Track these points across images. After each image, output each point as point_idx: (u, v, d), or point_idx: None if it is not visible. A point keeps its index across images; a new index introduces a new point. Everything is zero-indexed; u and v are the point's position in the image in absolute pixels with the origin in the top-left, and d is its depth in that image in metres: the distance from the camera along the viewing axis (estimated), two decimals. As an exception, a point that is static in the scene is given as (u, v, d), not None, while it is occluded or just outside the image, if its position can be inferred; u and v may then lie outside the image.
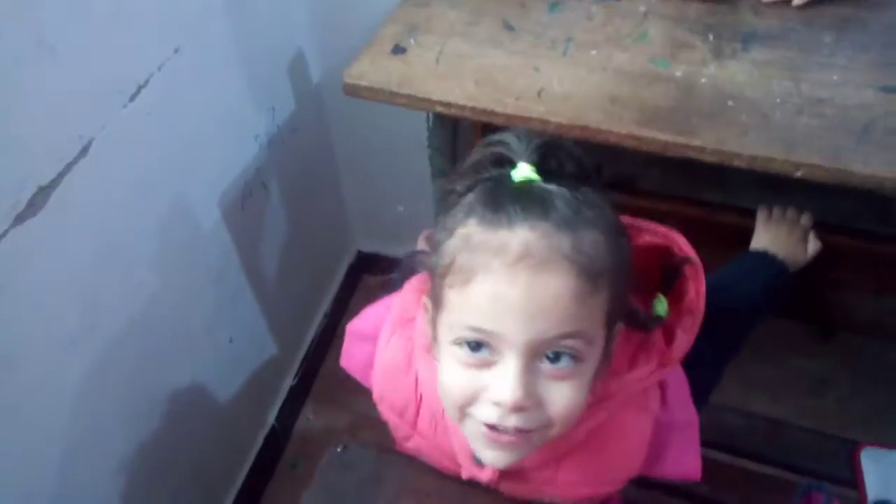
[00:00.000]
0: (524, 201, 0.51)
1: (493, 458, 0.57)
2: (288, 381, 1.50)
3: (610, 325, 0.55)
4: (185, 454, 1.17)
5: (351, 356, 0.76)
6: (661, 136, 0.80)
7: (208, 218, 1.10)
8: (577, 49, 0.91)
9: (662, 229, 0.64)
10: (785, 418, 1.06)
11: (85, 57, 0.79)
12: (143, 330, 0.99)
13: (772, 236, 0.91)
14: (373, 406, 0.73)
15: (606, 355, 0.56)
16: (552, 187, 0.52)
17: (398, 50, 0.92)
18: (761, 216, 0.94)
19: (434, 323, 0.57)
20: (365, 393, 0.74)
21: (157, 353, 1.05)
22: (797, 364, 1.50)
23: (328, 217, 1.56)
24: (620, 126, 0.82)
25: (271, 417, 1.44)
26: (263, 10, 1.12)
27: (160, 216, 0.98)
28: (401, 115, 1.08)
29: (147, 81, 0.89)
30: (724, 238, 0.97)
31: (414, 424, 0.69)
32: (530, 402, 0.52)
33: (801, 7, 0.92)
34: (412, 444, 0.71)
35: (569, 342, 0.51)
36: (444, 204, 0.56)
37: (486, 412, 0.53)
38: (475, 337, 0.52)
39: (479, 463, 0.67)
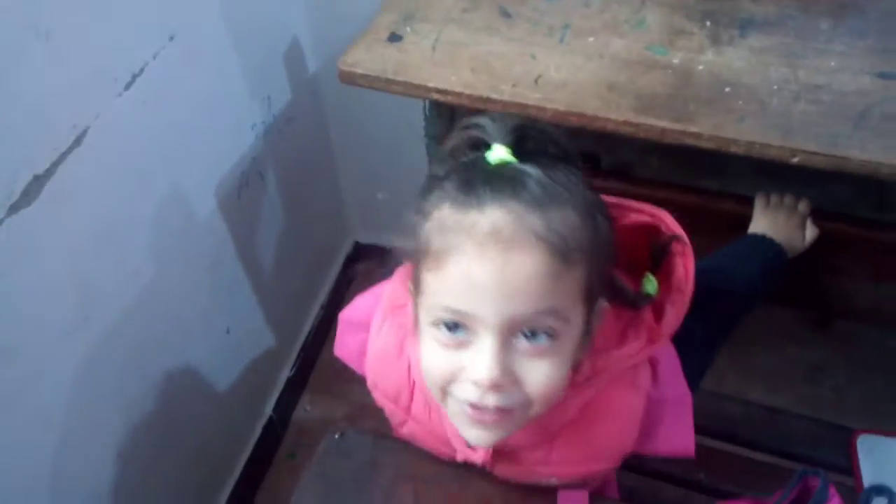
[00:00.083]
0: (495, 182, 0.51)
1: (477, 437, 0.57)
2: (285, 372, 1.50)
3: (589, 302, 0.55)
4: (183, 444, 1.17)
5: (344, 345, 0.76)
6: (658, 123, 0.80)
7: (204, 207, 1.09)
8: (575, 36, 0.91)
9: (649, 208, 0.65)
10: (782, 407, 1.06)
11: (80, 45, 0.78)
12: (140, 319, 0.99)
13: (769, 222, 0.91)
14: (369, 395, 0.74)
15: (587, 333, 0.57)
16: (526, 168, 0.52)
17: (394, 38, 0.92)
18: (759, 203, 0.94)
19: (415, 307, 0.57)
20: (362, 383, 0.74)
21: (154, 342, 1.05)
22: (795, 352, 1.51)
23: (325, 207, 1.56)
24: (617, 113, 0.82)
25: (269, 408, 1.45)
26: (259, -1, 1.12)
27: (156, 205, 0.98)
28: (397, 104, 1.08)
29: (142, 70, 0.89)
30: (721, 225, 0.97)
31: (408, 410, 0.70)
32: (507, 380, 0.52)
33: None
34: (407, 430, 0.72)
35: (543, 320, 0.51)
36: (424, 189, 0.56)
37: (465, 391, 0.54)
38: (451, 318, 0.52)
39: (471, 446, 0.67)
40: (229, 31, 1.05)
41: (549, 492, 0.69)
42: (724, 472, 0.98)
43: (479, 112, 0.59)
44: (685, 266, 0.62)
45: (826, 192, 0.96)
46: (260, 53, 1.16)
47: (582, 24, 0.92)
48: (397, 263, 0.61)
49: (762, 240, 0.87)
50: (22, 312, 0.79)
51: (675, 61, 0.87)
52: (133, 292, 0.97)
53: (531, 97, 0.84)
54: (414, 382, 0.68)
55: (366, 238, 1.69)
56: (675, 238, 0.63)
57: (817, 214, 0.93)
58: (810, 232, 0.92)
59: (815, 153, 0.76)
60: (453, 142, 0.57)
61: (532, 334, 0.52)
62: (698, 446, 0.98)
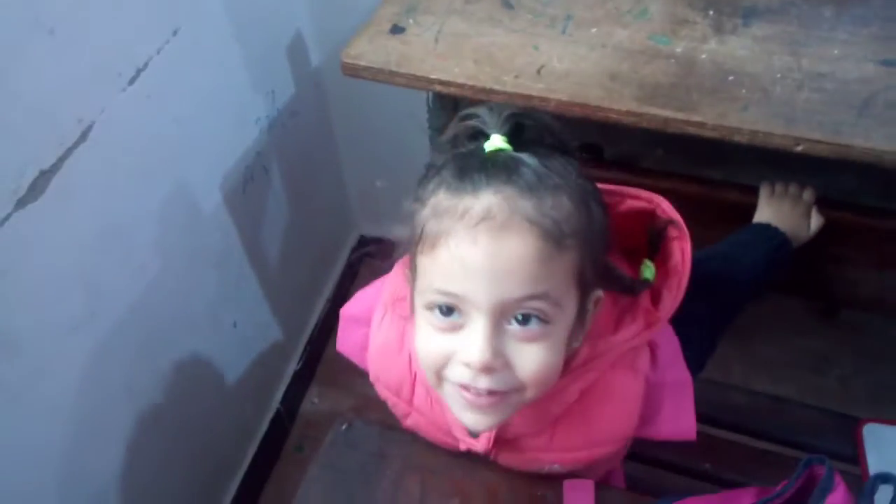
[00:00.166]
0: (490, 169, 0.52)
1: (473, 421, 0.58)
2: (292, 365, 1.51)
3: (582, 288, 0.55)
4: (191, 438, 1.18)
5: (346, 340, 0.77)
6: (661, 113, 0.80)
7: (209, 202, 1.10)
8: (577, 26, 0.91)
9: (645, 194, 0.65)
10: (788, 397, 1.06)
11: (84, 39, 0.79)
12: (146, 314, 1.00)
13: (774, 211, 0.91)
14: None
15: (581, 319, 0.57)
16: (520, 155, 0.53)
17: (397, 30, 0.92)
18: (764, 192, 0.94)
19: (411, 292, 0.58)
20: (368, 375, 0.75)
21: (161, 337, 1.05)
22: (800, 343, 1.51)
23: (330, 201, 1.56)
24: (620, 103, 0.82)
25: (276, 401, 1.45)
26: (262, -7, 1.12)
27: (161, 200, 0.98)
28: (401, 97, 1.08)
29: (146, 65, 0.89)
30: (726, 215, 0.97)
31: (410, 401, 0.70)
32: (498, 362, 0.53)
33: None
34: (411, 422, 0.72)
35: (534, 304, 0.52)
36: (422, 177, 0.57)
37: (458, 373, 0.55)
38: (444, 300, 0.53)
39: (473, 435, 0.67)
40: (232, 25, 1.05)
41: (555, 481, 0.70)
42: (730, 461, 0.98)
43: (478, 102, 0.60)
44: (682, 250, 0.63)
45: (831, 181, 0.96)
46: (263, 47, 1.16)
47: (584, 15, 0.92)
48: (398, 256, 0.62)
49: (766, 228, 0.87)
50: (29, 307, 0.80)
51: (678, 50, 0.86)
52: (139, 287, 0.97)
53: (534, 88, 0.84)
54: (415, 374, 0.69)
55: (370, 231, 1.69)
56: (671, 222, 0.63)
57: (822, 203, 0.93)
58: (815, 221, 0.92)
59: (818, 141, 0.76)
60: (452, 132, 0.58)
61: (524, 318, 0.53)
62: (704, 436, 0.99)
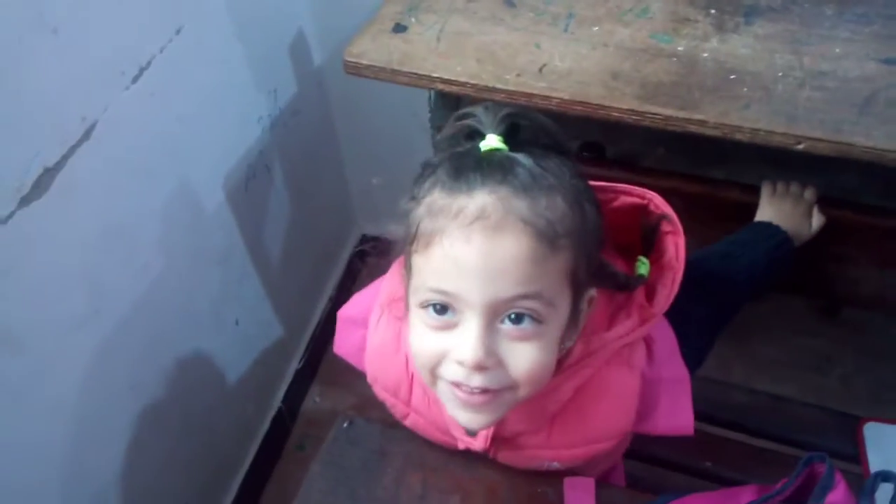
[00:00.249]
0: (485, 169, 0.52)
1: (467, 419, 0.58)
2: (294, 364, 1.51)
3: (576, 288, 0.56)
4: (193, 436, 1.18)
5: (344, 341, 0.77)
6: (663, 111, 0.80)
7: (212, 200, 1.10)
8: (579, 25, 0.91)
9: (638, 190, 0.66)
10: (789, 396, 1.07)
11: (87, 38, 0.79)
12: (149, 312, 1.00)
13: (776, 210, 0.91)
14: (375, 388, 0.74)
15: (575, 318, 0.58)
16: (516, 155, 0.53)
17: (399, 28, 0.92)
18: (766, 191, 0.94)
19: (406, 291, 0.58)
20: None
21: (164, 335, 1.06)
22: (802, 342, 1.51)
23: (332, 199, 1.57)
24: (622, 101, 0.82)
25: (278, 399, 1.46)
26: (264, -8, 1.12)
27: (164, 198, 0.99)
28: (403, 96, 1.08)
29: (149, 63, 0.89)
30: (727, 214, 0.98)
31: (408, 402, 0.71)
32: (491, 361, 0.53)
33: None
34: (410, 422, 0.73)
35: (527, 303, 0.52)
36: (418, 176, 0.57)
37: (451, 371, 0.55)
38: (437, 299, 0.53)
39: (471, 434, 0.68)
40: (235, 23, 1.06)
41: (555, 478, 0.70)
42: (731, 460, 0.98)
43: (480, 101, 0.60)
44: (676, 244, 0.63)
45: (832, 180, 0.96)
46: (266, 46, 1.16)
47: (586, 13, 0.92)
48: (395, 255, 0.62)
49: (767, 227, 0.87)
50: (32, 304, 0.80)
51: (680, 49, 0.87)
52: (143, 285, 0.98)
53: (536, 86, 0.84)
54: (412, 375, 0.69)
55: (372, 230, 1.69)
56: (664, 217, 0.64)
57: (823, 202, 0.93)
58: (817, 220, 0.92)
59: (819, 140, 0.76)
60: (448, 132, 0.58)
61: (517, 317, 0.53)
62: (704, 435, 1.00)
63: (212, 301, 1.16)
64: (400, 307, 0.62)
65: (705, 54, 0.86)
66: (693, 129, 0.80)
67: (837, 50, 0.84)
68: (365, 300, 0.74)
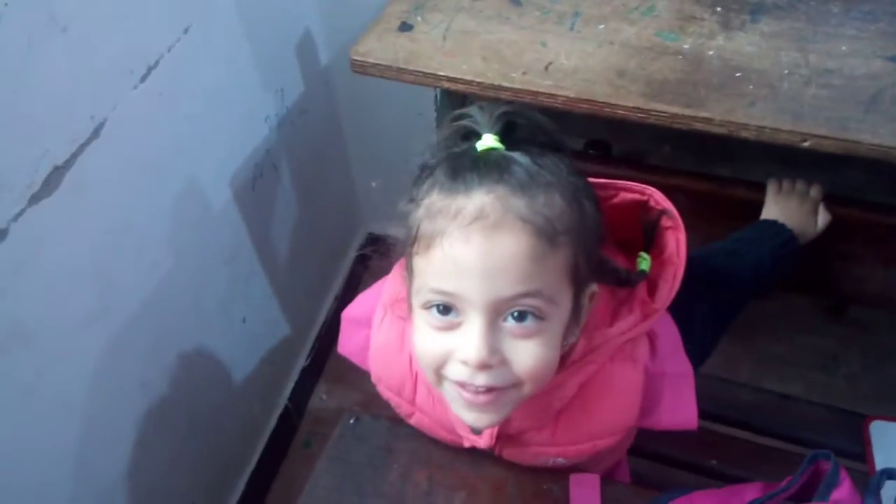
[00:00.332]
0: (482, 168, 0.52)
1: (473, 419, 0.58)
2: (301, 362, 1.51)
3: (576, 284, 0.56)
4: (200, 433, 1.19)
5: (348, 342, 0.78)
6: (668, 109, 0.81)
7: (220, 199, 1.11)
8: (585, 23, 0.91)
9: (637, 186, 0.66)
10: (795, 395, 1.06)
11: (97, 37, 0.80)
12: (158, 310, 1.00)
13: (782, 209, 0.91)
14: (379, 387, 0.75)
15: (577, 315, 0.58)
16: (512, 154, 0.53)
17: (405, 27, 0.93)
18: (771, 189, 0.94)
19: (409, 292, 0.59)
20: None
21: (172, 333, 1.06)
22: (808, 341, 1.51)
23: (338, 198, 1.57)
24: (628, 99, 0.82)
25: (284, 397, 1.46)
26: (271, -9, 1.12)
27: (173, 197, 0.99)
28: (409, 95, 1.09)
29: (157, 62, 0.90)
30: (733, 211, 0.98)
31: (412, 401, 0.71)
32: (495, 359, 0.54)
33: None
34: (415, 421, 0.73)
35: (529, 301, 0.53)
36: (416, 178, 0.57)
37: (456, 371, 0.55)
38: (440, 299, 0.54)
39: (476, 432, 0.68)
40: (243, 23, 1.06)
41: (560, 475, 0.70)
42: (736, 458, 0.98)
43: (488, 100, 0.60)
44: (677, 240, 0.63)
45: (838, 178, 0.96)
46: (273, 45, 1.17)
47: (592, 12, 0.92)
48: (397, 257, 0.63)
49: (773, 225, 0.87)
50: (42, 301, 0.81)
51: (686, 47, 0.87)
52: (151, 283, 0.98)
53: (542, 84, 0.84)
54: (416, 374, 0.69)
55: (379, 229, 1.70)
56: (664, 212, 0.64)
57: (829, 200, 0.93)
58: (822, 217, 0.92)
59: (825, 137, 0.76)
60: (445, 132, 0.58)
61: (519, 315, 0.53)
62: (710, 432, 1.00)
63: (219, 299, 1.17)
64: (403, 307, 0.62)
65: (711, 52, 0.86)
66: (699, 126, 0.80)
67: (843, 47, 0.84)
68: (368, 301, 0.74)
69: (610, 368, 0.63)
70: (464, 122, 0.57)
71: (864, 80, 0.81)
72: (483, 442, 0.68)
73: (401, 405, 0.73)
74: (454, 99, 1.02)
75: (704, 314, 0.73)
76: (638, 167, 1.10)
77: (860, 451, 0.95)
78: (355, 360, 0.77)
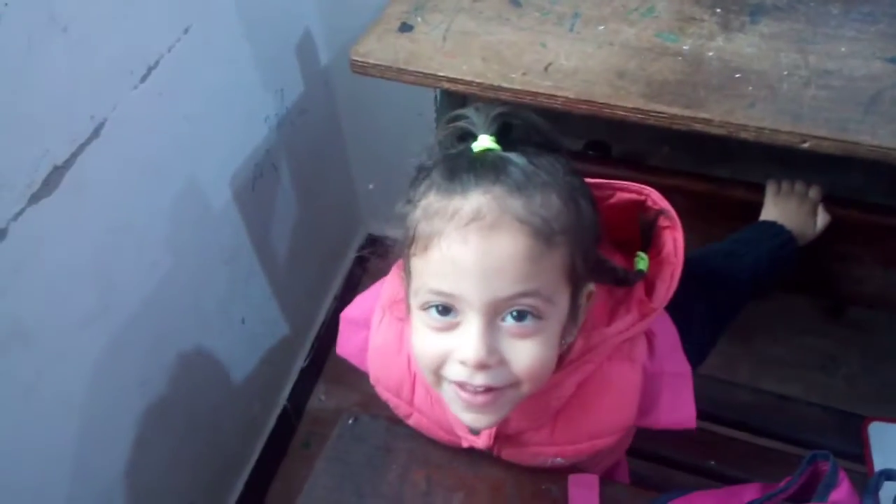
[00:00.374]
0: (478, 169, 0.53)
1: (473, 420, 0.58)
2: (300, 362, 1.52)
3: (574, 284, 0.56)
4: (199, 433, 1.19)
5: (347, 343, 0.78)
6: (668, 110, 0.81)
7: (219, 199, 1.11)
8: (584, 24, 0.91)
9: (635, 186, 0.66)
10: (794, 396, 1.07)
11: (96, 37, 0.80)
12: (158, 309, 1.01)
13: (781, 210, 0.91)
14: (378, 388, 0.75)
15: (574, 314, 0.58)
16: (508, 155, 0.54)
17: (405, 28, 0.93)
18: (770, 190, 0.94)
19: (407, 294, 0.59)
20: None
21: (172, 333, 1.06)
22: (807, 342, 1.51)
23: (338, 199, 1.57)
24: (627, 100, 0.82)
25: (283, 397, 1.46)
26: (271, -9, 1.13)
27: (172, 196, 0.99)
28: (409, 96, 1.09)
29: (157, 62, 0.90)
30: (732, 212, 0.98)
31: (411, 402, 0.71)
32: (494, 359, 0.54)
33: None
34: (413, 422, 0.73)
35: (526, 300, 0.53)
36: (413, 179, 0.57)
37: (454, 371, 0.55)
38: (438, 300, 0.54)
39: (474, 432, 0.68)
40: (243, 23, 1.06)
41: (559, 475, 0.70)
42: (735, 459, 0.98)
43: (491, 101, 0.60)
44: (674, 239, 0.63)
45: (837, 179, 0.96)
46: (273, 46, 1.17)
47: (592, 13, 0.92)
48: (395, 258, 0.63)
49: (771, 226, 0.88)
50: (42, 300, 0.81)
51: (685, 48, 0.87)
52: (152, 283, 0.98)
53: (541, 85, 0.84)
54: (415, 375, 0.69)
55: (378, 230, 1.70)
56: (662, 212, 0.64)
57: (829, 201, 0.93)
58: (822, 219, 0.92)
59: (825, 138, 0.76)
60: (442, 134, 0.58)
61: (517, 315, 0.53)
62: (709, 433, 1.00)
63: (219, 299, 1.17)
64: (401, 308, 0.62)
65: (711, 53, 0.86)
66: (698, 127, 0.80)
67: (843, 49, 0.85)
68: (367, 302, 0.74)
69: (608, 368, 0.64)
70: (460, 123, 0.57)
71: (864, 82, 0.81)
72: (481, 442, 0.69)
73: (399, 406, 0.73)
74: (454, 99, 1.02)
75: (703, 314, 0.74)
76: (637, 168, 1.10)
77: (859, 452, 0.95)
78: (354, 361, 0.77)
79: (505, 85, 0.85)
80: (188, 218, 1.04)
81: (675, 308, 0.64)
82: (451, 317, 0.54)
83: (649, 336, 0.65)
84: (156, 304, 1.00)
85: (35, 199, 0.76)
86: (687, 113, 0.80)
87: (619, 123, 0.84)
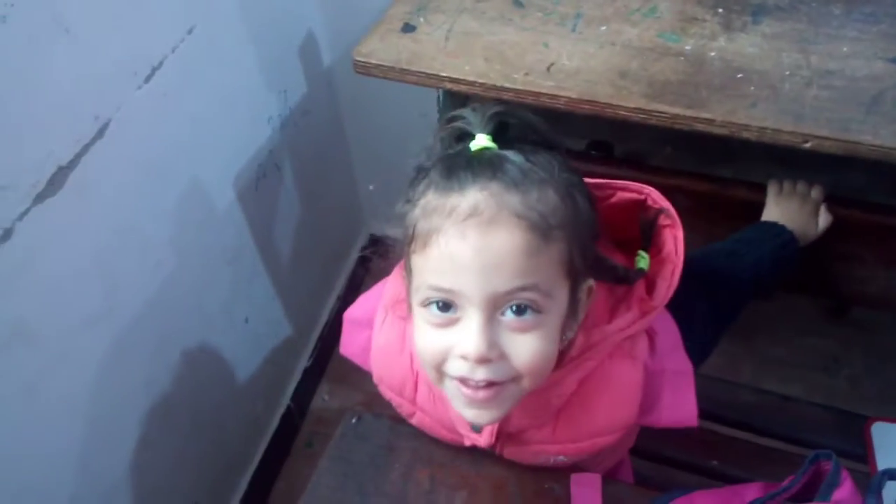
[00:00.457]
0: (475, 167, 0.53)
1: (475, 416, 0.59)
2: (303, 362, 1.52)
3: (572, 278, 0.57)
4: (203, 433, 1.19)
5: (350, 343, 0.78)
6: (670, 110, 0.81)
7: (223, 199, 1.11)
8: (587, 24, 0.91)
9: (635, 185, 0.66)
10: (797, 396, 1.07)
11: (101, 38, 0.80)
12: (162, 310, 1.01)
13: (782, 210, 0.91)
14: (381, 387, 0.75)
15: (574, 309, 0.59)
16: (505, 153, 0.54)
17: (408, 28, 0.93)
18: (772, 190, 0.94)
19: (408, 292, 0.59)
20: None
21: (176, 332, 1.07)
22: (810, 343, 1.51)
23: (341, 199, 1.58)
24: (630, 100, 0.82)
25: (287, 397, 1.47)
26: (274, -8, 1.13)
27: (176, 197, 1.00)
28: (412, 97, 1.09)
29: (161, 63, 0.90)
30: (734, 212, 0.98)
31: (413, 401, 0.71)
32: (494, 353, 0.54)
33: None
34: (416, 421, 0.74)
35: (525, 294, 0.53)
36: (412, 180, 0.58)
37: (456, 366, 0.56)
38: (438, 296, 0.54)
39: (476, 430, 0.68)
40: (246, 24, 1.07)
41: (562, 474, 0.70)
42: (738, 459, 0.98)
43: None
44: (674, 238, 0.64)
45: (839, 179, 0.96)
46: (276, 46, 1.17)
47: (594, 13, 0.93)
48: (396, 258, 0.63)
49: (773, 226, 0.88)
50: (48, 299, 0.81)
51: (688, 48, 0.87)
52: (155, 283, 0.99)
53: (544, 85, 0.84)
54: (417, 374, 0.70)
55: (380, 230, 1.70)
56: (662, 211, 0.65)
57: (831, 201, 0.93)
58: (824, 219, 0.92)
59: (826, 138, 0.76)
60: (440, 134, 0.59)
61: (517, 309, 0.54)
62: (711, 433, 1.00)
63: (222, 299, 1.17)
64: (403, 308, 0.63)
65: (713, 53, 0.86)
66: (700, 127, 0.81)
67: (845, 49, 0.85)
68: (369, 302, 0.75)
69: (609, 365, 0.64)
70: (457, 124, 0.57)
71: (866, 82, 0.81)
72: (483, 441, 0.69)
73: (402, 405, 0.73)
74: (456, 100, 1.03)
75: (704, 313, 0.74)
76: (640, 168, 1.10)
77: (861, 453, 0.95)
78: (357, 360, 0.78)
79: (507, 85, 0.85)
80: (192, 218, 1.04)
81: (677, 307, 0.65)
82: (451, 313, 0.55)
83: (651, 334, 0.66)
84: (160, 304, 1.00)
85: (40, 199, 0.76)
86: (689, 113, 0.80)
87: (621, 123, 0.84)
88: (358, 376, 0.79)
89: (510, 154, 0.54)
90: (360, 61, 0.91)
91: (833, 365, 1.49)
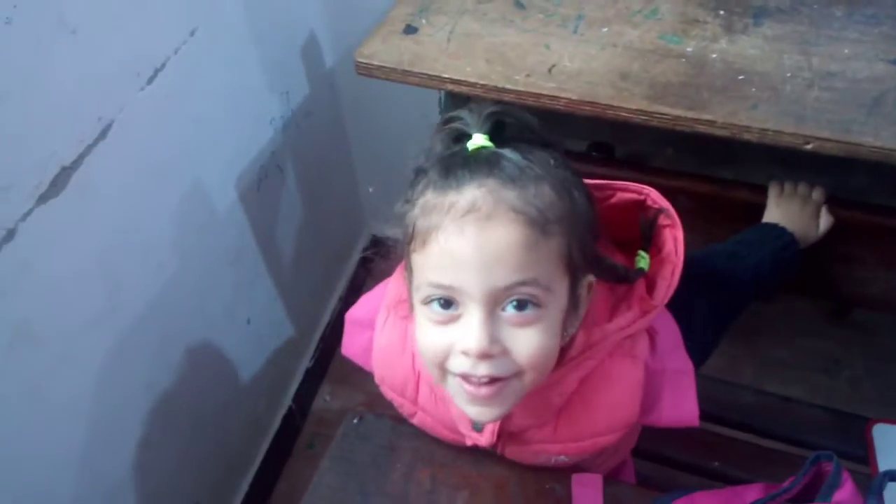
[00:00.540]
0: (472, 165, 0.54)
1: (478, 413, 0.59)
2: (305, 363, 1.52)
3: (572, 273, 0.57)
4: (205, 434, 1.20)
5: (352, 343, 0.78)
6: (671, 111, 0.81)
7: (225, 201, 1.11)
8: (588, 26, 0.92)
9: (634, 185, 0.67)
10: (797, 397, 1.07)
11: (104, 39, 0.80)
12: (164, 310, 1.01)
13: (783, 211, 0.91)
14: (383, 388, 0.75)
15: (575, 304, 0.59)
16: (502, 151, 0.55)
17: (410, 30, 0.93)
18: (773, 192, 0.94)
19: (409, 290, 0.60)
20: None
21: (178, 333, 1.07)
22: (811, 344, 1.51)
23: (342, 200, 1.58)
24: (631, 102, 0.82)
25: (289, 398, 1.47)
26: (277, -6, 1.13)
27: (178, 198, 1.00)
28: (413, 98, 1.09)
29: (164, 65, 0.91)
30: (735, 214, 0.98)
31: (415, 401, 0.72)
32: (496, 348, 0.54)
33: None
34: (417, 420, 0.74)
35: (525, 289, 0.54)
36: (410, 180, 0.59)
37: (458, 363, 0.56)
38: (439, 293, 0.55)
39: (477, 430, 0.69)
40: (249, 26, 1.07)
41: (564, 475, 0.71)
42: (739, 460, 0.98)
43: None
44: (674, 238, 0.64)
45: (841, 180, 0.96)
46: (278, 48, 1.17)
47: (595, 14, 0.93)
48: (397, 258, 0.63)
49: (773, 228, 0.88)
50: (51, 300, 0.81)
51: (689, 50, 0.87)
52: (158, 284, 0.99)
53: (545, 87, 0.84)
54: (419, 374, 0.70)
55: (383, 231, 1.70)
56: (661, 211, 0.65)
57: (832, 202, 0.93)
58: (825, 220, 0.92)
59: (828, 140, 0.77)
60: (438, 135, 0.60)
61: (517, 304, 0.54)
62: (713, 435, 1.00)
63: (225, 300, 1.18)
64: (405, 308, 0.63)
65: (714, 55, 0.86)
66: (701, 129, 0.81)
67: (846, 51, 0.85)
68: (371, 302, 0.75)
69: (609, 364, 0.64)
70: (455, 124, 0.58)
71: (867, 83, 0.81)
72: (485, 440, 0.69)
73: (403, 405, 0.73)
74: (458, 101, 1.03)
75: (705, 314, 0.74)
76: (641, 169, 1.11)
77: (862, 454, 0.95)
78: (359, 361, 0.78)
79: (509, 86, 0.85)
80: (194, 219, 1.04)
81: (678, 307, 0.65)
82: (452, 309, 0.55)
83: (651, 333, 0.66)
84: (162, 304, 1.00)
85: (43, 199, 0.77)
86: (690, 114, 0.80)
87: (622, 125, 0.84)
88: (359, 377, 0.79)
89: (507, 152, 0.55)
90: (361, 63, 0.91)
91: (834, 366, 1.49)
